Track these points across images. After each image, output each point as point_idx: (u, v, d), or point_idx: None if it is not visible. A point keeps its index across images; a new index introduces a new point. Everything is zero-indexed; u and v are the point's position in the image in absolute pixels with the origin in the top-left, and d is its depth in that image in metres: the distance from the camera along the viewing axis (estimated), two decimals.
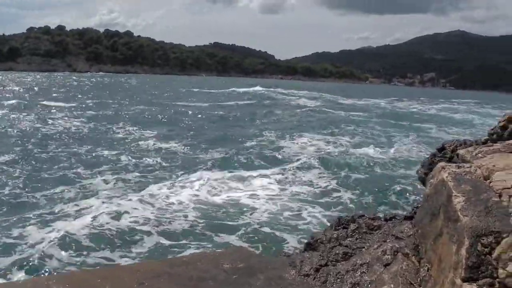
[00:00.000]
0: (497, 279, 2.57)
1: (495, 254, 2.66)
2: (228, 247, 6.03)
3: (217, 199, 9.93)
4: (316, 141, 19.06)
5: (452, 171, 3.56)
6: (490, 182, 3.32)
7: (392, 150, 17.16)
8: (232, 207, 9.17)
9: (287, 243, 6.75)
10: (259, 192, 10.60)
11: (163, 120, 25.33)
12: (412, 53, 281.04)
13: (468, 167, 3.64)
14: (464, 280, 2.62)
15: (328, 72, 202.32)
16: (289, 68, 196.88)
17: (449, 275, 2.89)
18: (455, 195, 3.19)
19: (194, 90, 59.41)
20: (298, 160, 14.82)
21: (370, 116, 33.96)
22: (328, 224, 5.64)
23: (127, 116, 24.94)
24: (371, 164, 14.60)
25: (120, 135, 19.48)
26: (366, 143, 19.29)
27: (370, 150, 17.18)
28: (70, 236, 7.35)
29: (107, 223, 7.99)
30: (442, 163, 4.04)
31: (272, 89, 65.05)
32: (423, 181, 10.59)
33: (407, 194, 11.29)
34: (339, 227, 5.21)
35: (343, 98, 59.66)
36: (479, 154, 4.13)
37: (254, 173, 12.48)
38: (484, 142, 7.15)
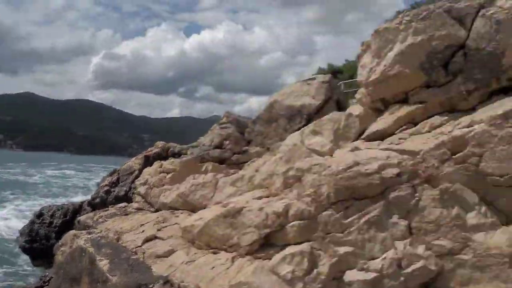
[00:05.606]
0: None
1: None
2: None
3: None
4: None
5: (88, 237, 3.98)
6: (123, 243, 3.98)
7: None
8: None
9: None
10: None
11: None
12: None
13: (99, 232, 4.16)
14: None
15: None
16: None
17: None
18: (100, 259, 3.64)
19: None
20: None
21: None
22: None
23: None
24: None
25: None
26: None
27: None
28: None
29: None
30: (73, 231, 4.36)
31: None
32: (24, 249, 10.13)
33: None
34: None
35: None
36: (100, 219, 4.70)
37: None
38: (92, 205, 7.84)
